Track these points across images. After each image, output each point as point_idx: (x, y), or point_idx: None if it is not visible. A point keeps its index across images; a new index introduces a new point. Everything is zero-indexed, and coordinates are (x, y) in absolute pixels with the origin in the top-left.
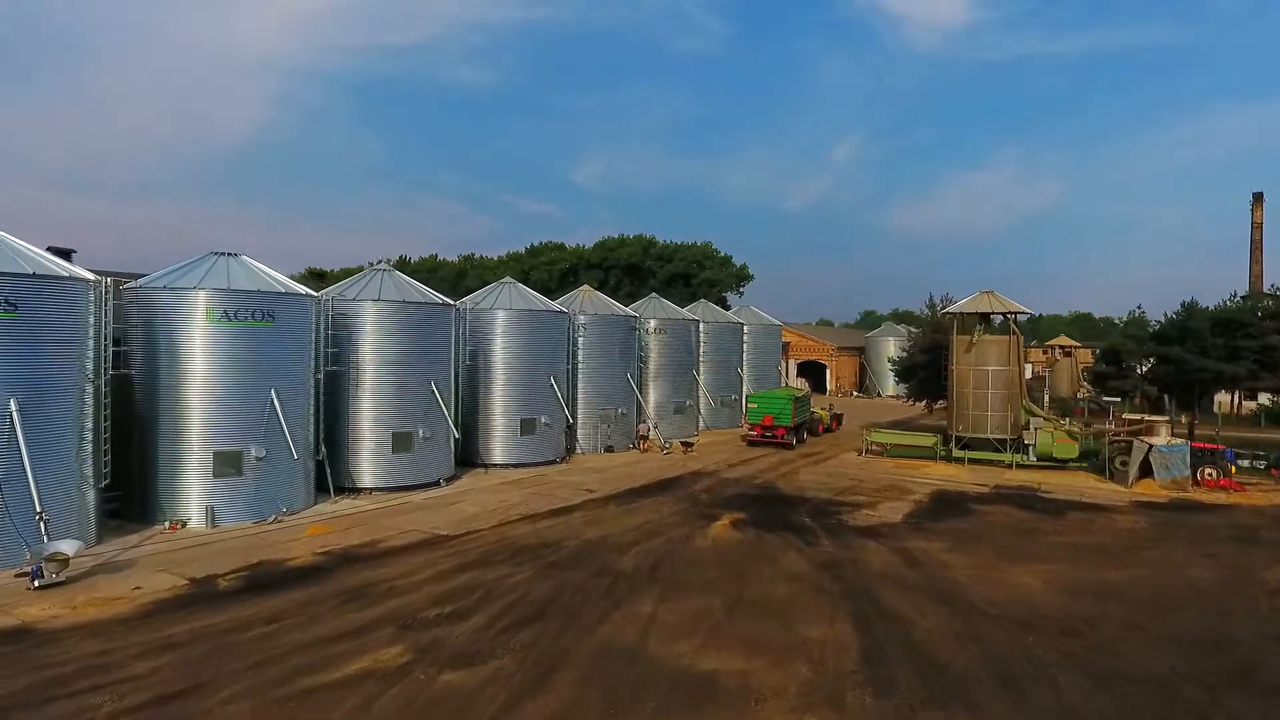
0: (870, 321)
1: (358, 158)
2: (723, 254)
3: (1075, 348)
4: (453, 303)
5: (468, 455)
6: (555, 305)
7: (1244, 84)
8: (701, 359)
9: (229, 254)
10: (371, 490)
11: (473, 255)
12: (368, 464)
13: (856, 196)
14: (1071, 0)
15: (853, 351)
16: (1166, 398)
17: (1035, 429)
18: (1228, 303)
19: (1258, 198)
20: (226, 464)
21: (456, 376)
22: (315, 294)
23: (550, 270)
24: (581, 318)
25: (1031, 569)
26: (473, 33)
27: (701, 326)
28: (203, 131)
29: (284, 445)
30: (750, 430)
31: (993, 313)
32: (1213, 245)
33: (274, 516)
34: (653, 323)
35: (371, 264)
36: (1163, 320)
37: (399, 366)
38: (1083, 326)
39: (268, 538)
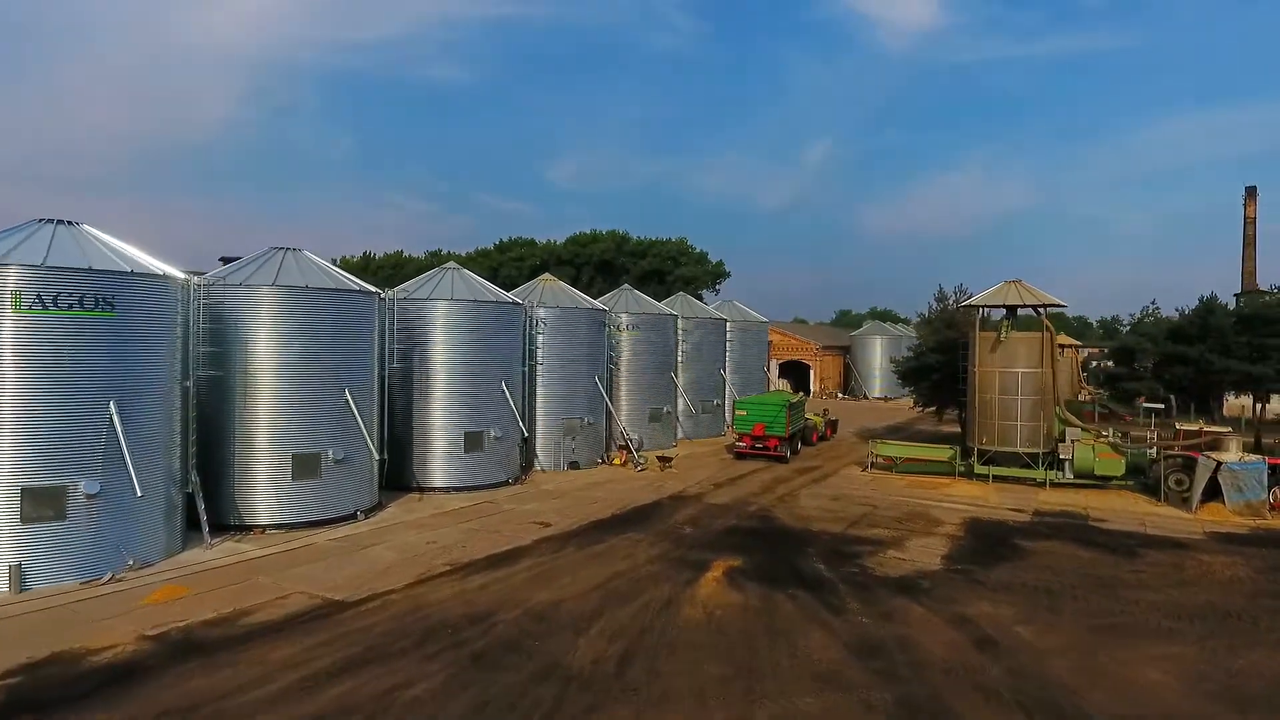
0: (848, 321)
1: (327, 155)
2: (698, 250)
3: (1077, 347)
4: (376, 290)
5: (399, 477)
6: (508, 296)
7: (1204, 88)
8: (680, 359)
9: (63, 221)
10: (265, 529)
11: (439, 251)
12: (262, 495)
13: (830, 197)
14: (1035, 6)
15: (837, 351)
16: (1173, 399)
17: (1073, 441)
18: (1239, 297)
19: (1250, 192)
20: (42, 504)
21: (383, 382)
22: (180, 276)
23: (519, 266)
24: (541, 311)
25: (1150, 652)
26: (444, 29)
27: (680, 323)
28: (167, 127)
29: (127, 476)
30: (739, 441)
31: (1021, 305)
32: (1180, 246)
33: (110, 575)
34: (625, 318)
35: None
36: (1177, 316)
37: (302, 369)
38: (1058, 326)
39: (89, 609)
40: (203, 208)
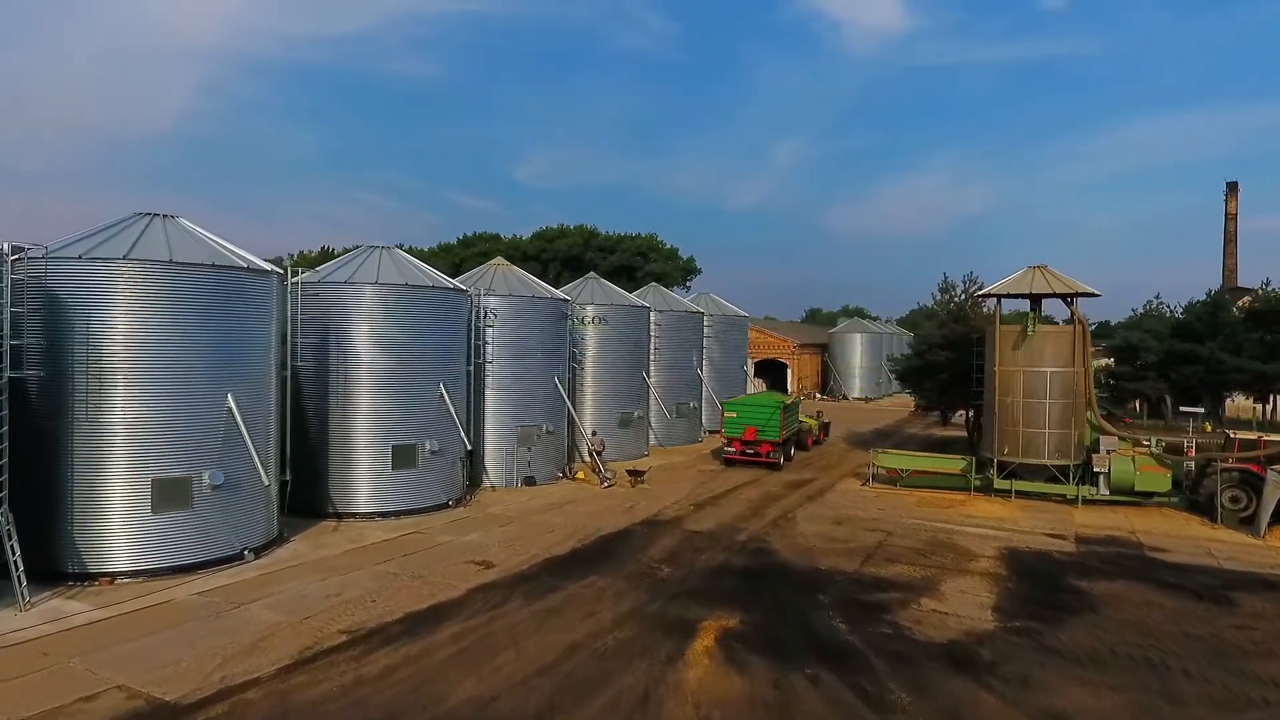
0: (820, 319)
1: (292, 150)
2: (669, 246)
3: None
4: (275, 269)
5: (313, 500)
6: (449, 280)
7: (1163, 94)
8: (653, 357)
9: None
10: (115, 578)
11: (402, 245)
12: (113, 533)
13: (798, 197)
14: (1002, 12)
15: (814, 349)
16: (1168, 399)
17: (1108, 452)
18: (1263, 291)
19: (1232, 187)
20: None
21: (283, 385)
22: None
23: (483, 262)
24: (492, 300)
25: None
26: (414, 25)
27: (653, 316)
28: (126, 120)
29: None
30: (728, 445)
31: (1047, 294)
32: (1150, 247)
33: None
34: (590, 309)
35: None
36: (1180, 313)
37: (167, 368)
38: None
39: None
40: (160, 203)
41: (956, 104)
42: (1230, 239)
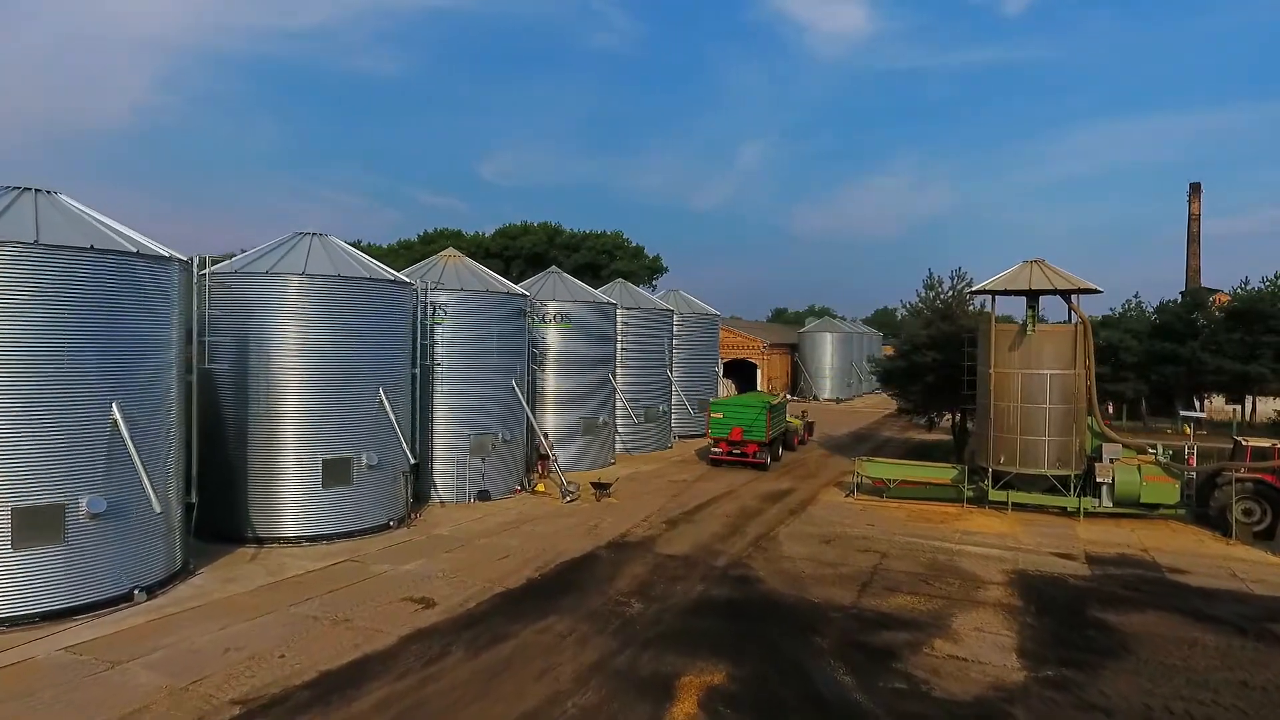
0: (786, 319)
1: (252, 145)
2: (634, 244)
3: None
4: (178, 256)
5: (230, 523)
6: (390, 272)
7: (1117, 101)
8: (620, 358)
9: None
10: None
11: (359, 242)
12: None
13: (763, 198)
14: (964, 17)
15: (784, 349)
16: (1144, 402)
17: (1111, 461)
18: (1238, 291)
19: (1195, 188)
20: None
21: (189, 391)
22: None
23: None
24: (441, 295)
25: None
26: (379, 19)
27: (620, 314)
28: (77, 112)
29: None
30: (714, 446)
31: (1048, 291)
32: (1108, 249)
33: None
34: (552, 306)
35: None
36: (1156, 312)
37: (35, 375)
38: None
39: None
40: (111, 198)
41: (920, 107)
42: (1194, 239)
